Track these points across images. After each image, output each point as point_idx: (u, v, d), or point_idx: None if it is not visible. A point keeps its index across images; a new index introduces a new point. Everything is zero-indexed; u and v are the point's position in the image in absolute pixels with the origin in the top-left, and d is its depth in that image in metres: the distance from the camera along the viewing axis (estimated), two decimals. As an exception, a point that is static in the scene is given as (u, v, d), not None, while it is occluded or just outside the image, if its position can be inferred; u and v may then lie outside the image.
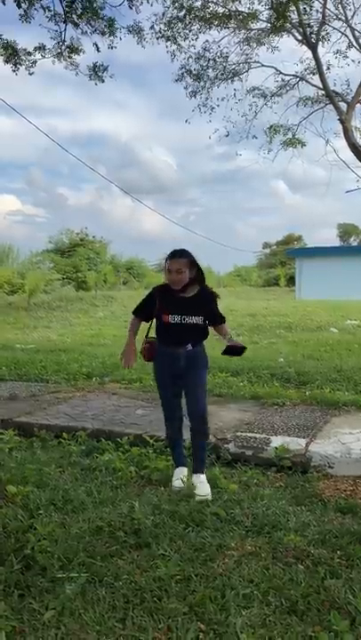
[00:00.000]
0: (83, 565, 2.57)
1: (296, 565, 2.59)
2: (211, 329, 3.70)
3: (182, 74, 12.13)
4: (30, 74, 8.78)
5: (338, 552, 2.71)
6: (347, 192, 12.45)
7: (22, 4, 7.20)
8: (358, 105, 11.88)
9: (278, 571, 2.54)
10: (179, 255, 3.49)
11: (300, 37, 11.23)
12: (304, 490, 3.53)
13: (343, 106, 11.55)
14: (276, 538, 2.84)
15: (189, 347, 3.52)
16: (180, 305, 3.50)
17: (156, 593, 2.35)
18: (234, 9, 11.13)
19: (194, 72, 12.06)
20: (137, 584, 2.41)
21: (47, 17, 7.98)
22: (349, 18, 11.09)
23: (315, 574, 2.51)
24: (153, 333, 3.67)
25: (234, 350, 3.56)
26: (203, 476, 3.54)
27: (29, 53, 8.65)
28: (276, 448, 3.99)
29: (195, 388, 3.59)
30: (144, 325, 3.75)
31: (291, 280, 35.88)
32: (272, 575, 2.50)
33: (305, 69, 12.13)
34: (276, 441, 4.15)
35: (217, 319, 3.68)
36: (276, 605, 2.28)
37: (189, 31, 11.27)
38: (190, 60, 11.89)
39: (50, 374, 7.33)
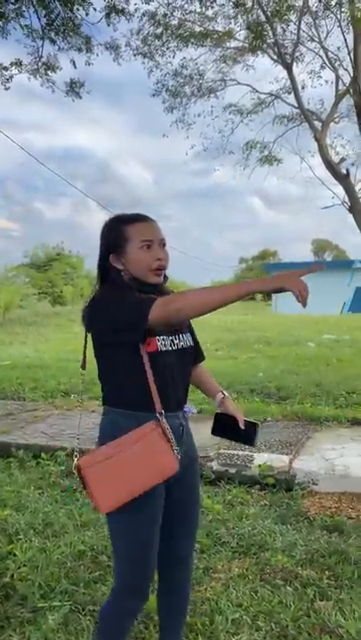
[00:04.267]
0: (65, 593, 2.48)
1: (285, 587, 2.53)
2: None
3: (159, 89, 12.26)
4: (6, 89, 8.76)
5: (326, 572, 2.66)
6: (323, 208, 12.64)
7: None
8: (332, 123, 12.16)
9: (267, 593, 2.49)
10: (150, 218, 1.76)
11: (275, 57, 11.46)
12: (289, 508, 3.48)
13: (318, 124, 11.79)
14: (264, 559, 2.79)
15: (189, 409, 1.85)
16: None
17: (143, 621, 2.27)
18: (211, 28, 11.32)
19: (171, 88, 12.20)
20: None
21: (25, 34, 7.99)
22: (323, 39, 11.37)
23: (304, 596, 2.46)
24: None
25: (248, 431, 1.85)
26: None
27: (5, 68, 8.63)
28: (259, 465, 3.95)
29: (193, 516, 1.89)
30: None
31: (267, 295, 36.21)
32: (261, 598, 2.45)
33: (280, 88, 12.37)
34: (260, 458, 4.11)
35: (199, 347, 1.93)
36: (266, 630, 2.22)
37: (166, 48, 11.42)
38: (167, 76, 12.04)
39: (27, 392, 7.17)
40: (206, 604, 2.39)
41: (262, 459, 4.08)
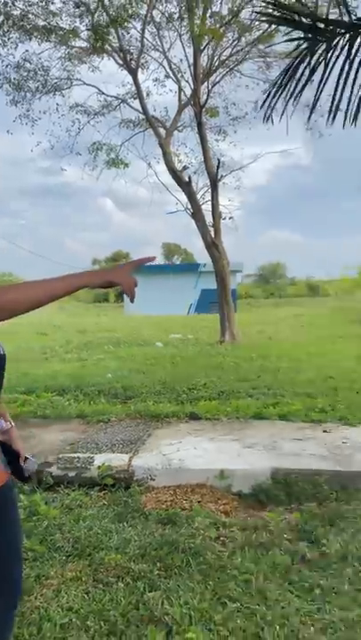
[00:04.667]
0: None
1: (117, 584, 2.58)
2: None
3: (0, 81, 11.70)
4: None
5: (158, 564, 2.76)
6: (168, 214, 13.14)
7: None
8: (176, 132, 12.67)
9: (99, 593, 2.51)
10: None
11: (120, 62, 11.61)
12: (127, 505, 3.54)
13: (163, 131, 12.19)
14: (98, 559, 2.80)
15: (4, 424, 1.81)
16: None
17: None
18: (55, 24, 11.09)
19: (13, 81, 11.71)
20: None
21: None
22: (166, 50, 11.80)
23: (135, 590, 2.52)
24: None
25: (27, 467, 1.87)
26: None
27: None
28: (99, 467, 3.96)
29: (14, 534, 1.64)
30: None
31: (120, 296, 36.53)
32: (92, 599, 2.46)
33: (126, 93, 12.58)
34: (100, 459, 4.12)
35: None
36: (95, 630, 2.24)
37: (7, 39, 10.93)
38: (9, 68, 11.53)
39: None
40: (35, 613, 2.34)
41: (102, 459, 4.10)
